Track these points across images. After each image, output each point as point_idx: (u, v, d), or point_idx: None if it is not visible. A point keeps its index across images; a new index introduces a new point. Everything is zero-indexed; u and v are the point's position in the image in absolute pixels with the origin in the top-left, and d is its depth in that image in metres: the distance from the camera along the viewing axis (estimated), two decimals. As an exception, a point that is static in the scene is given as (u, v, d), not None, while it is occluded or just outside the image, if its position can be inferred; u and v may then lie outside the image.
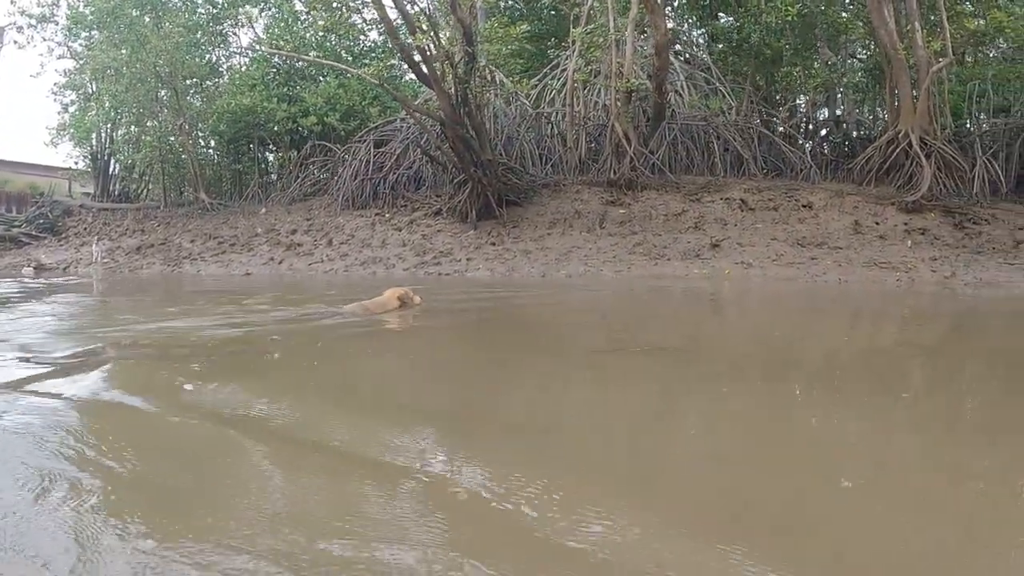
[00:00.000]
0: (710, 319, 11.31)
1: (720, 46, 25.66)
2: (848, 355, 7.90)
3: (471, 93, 18.89)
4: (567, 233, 19.07)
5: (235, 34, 27.97)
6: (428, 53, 18.22)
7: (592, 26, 21.62)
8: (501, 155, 21.13)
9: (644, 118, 22.06)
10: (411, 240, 19.90)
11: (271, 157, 27.61)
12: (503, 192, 19.80)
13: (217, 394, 4.86)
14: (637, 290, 14.34)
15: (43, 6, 26.51)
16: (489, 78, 22.67)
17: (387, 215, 21.27)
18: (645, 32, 22.01)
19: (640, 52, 22.46)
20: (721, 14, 25.93)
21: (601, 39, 21.01)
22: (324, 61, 24.05)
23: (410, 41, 18.12)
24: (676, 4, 28.81)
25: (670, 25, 27.68)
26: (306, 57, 24.25)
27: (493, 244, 19.05)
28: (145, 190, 29.55)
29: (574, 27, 21.87)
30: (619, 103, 20.57)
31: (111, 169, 29.66)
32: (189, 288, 15.97)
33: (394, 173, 22.40)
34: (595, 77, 22.45)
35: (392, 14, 19.48)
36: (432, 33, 18.27)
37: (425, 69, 18.49)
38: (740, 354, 7.90)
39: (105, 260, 22.75)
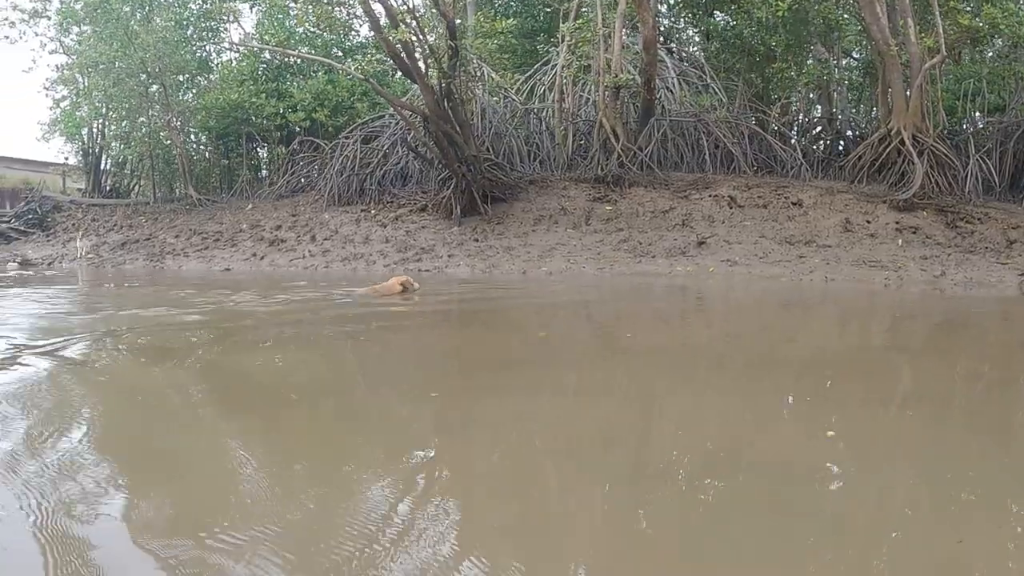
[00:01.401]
0: (680, 318, 10.79)
1: (715, 44, 25.20)
2: (813, 357, 7.43)
3: (455, 88, 18.34)
4: (552, 230, 18.54)
5: (226, 29, 27.38)
6: (411, 47, 17.61)
7: (581, 21, 21.05)
8: (488, 151, 20.63)
9: (633, 114, 21.46)
10: (394, 236, 19.39)
11: (263, 153, 27.05)
12: (488, 188, 19.28)
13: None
14: (614, 288, 13.78)
15: (35, 1, 26.01)
16: (477, 73, 22.12)
17: (373, 211, 20.74)
18: (636, 27, 21.35)
19: (629, 48, 21.88)
20: (717, 12, 25.37)
21: (589, 34, 20.44)
22: (310, 56, 23.54)
23: (395, 35, 17.43)
24: (672, 1, 28.37)
25: (663, 22, 27.33)
26: (291, 52, 23.76)
27: (476, 241, 18.53)
28: (137, 186, 28.97)
29: (564, 22, 21.26)
30: (607, 99, 20.02)
31: (102, 165, 29.06)
32: (163, 284, 15.47)
33: (381, 169, 21.89)
34: (585, 73, 21.85)
35: (377, 8, 18.87)
36: (415, 27, 17.68)
37: (408, 63, 17.88)
38: (700, 353, 7.43)
39: (90, 255, 22.31)
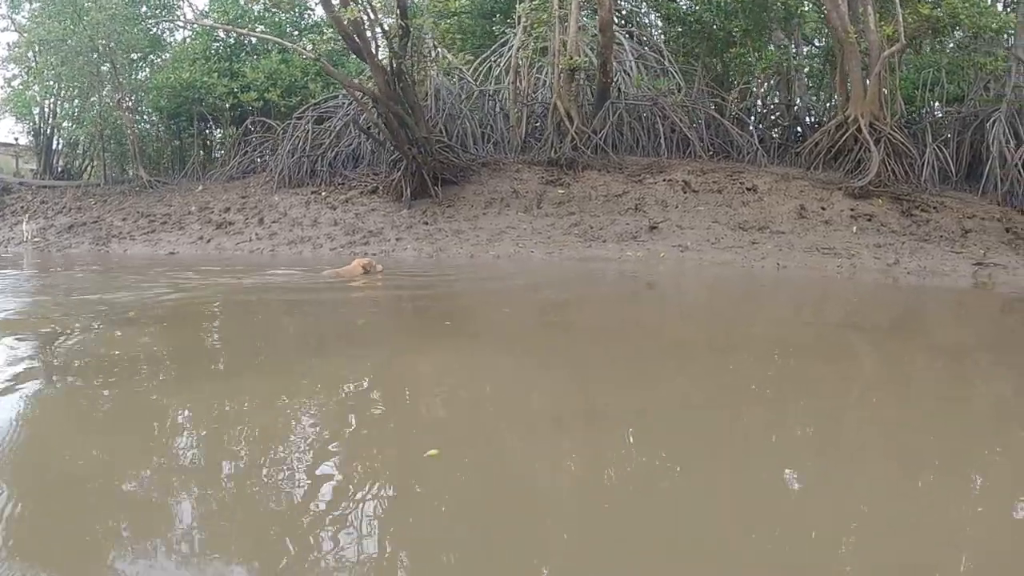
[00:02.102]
0: (620, 305, 10.31)
1: (676, 29, 24.70)
2: (743, 346, 6.98)
3: (406, 68, 17.73)
4: (503, 213, 18.01)
5: (179, 7, 26.50)
6: (361, 26, 16.98)
7: (537, 2, 20.47)
8: (442, 133, 20.02)
9: (589, 97, 20.94)
10: (343, 219, 18.79)
11: (217, 134, 26.22)
12: (439, 171, 18.68)
13: None
14: (559, 273, 13.26)
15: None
16: (431, 54, 21.51)
17: (324, 193, 20.10)
18: (594, 10, 20.76)
19: (587, 30, 21.32)
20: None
21: (546, 15, 19.85)
22: (263, 35, 22.78)
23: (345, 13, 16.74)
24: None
25: (625, 5, 26.80)
26: (242, 31, 23.00)
27: (426, 224, 17.98)
28: (89, 167, 28.03)
29: (520, 3, 20.64)
30: (562, 81, 19.43)
31: (54, 145, 28.15)
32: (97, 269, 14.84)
33: (333, 150, 21.23)
34: (542, 55, 21.27)
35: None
36: (365, 4, 17.05)
37: (359, 43, 17.24)
38: (620, 338, 6.97)
39: (36, 239, 21.56)
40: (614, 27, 22.15)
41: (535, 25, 20.16)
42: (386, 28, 17.46)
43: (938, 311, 10.76)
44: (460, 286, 12.28)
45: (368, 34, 17.50)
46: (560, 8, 19.50)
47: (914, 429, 4.58)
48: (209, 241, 19.13)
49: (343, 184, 20.42)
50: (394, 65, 17.51)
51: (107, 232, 20.71)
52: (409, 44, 17.91)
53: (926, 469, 3.85)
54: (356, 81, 19.43)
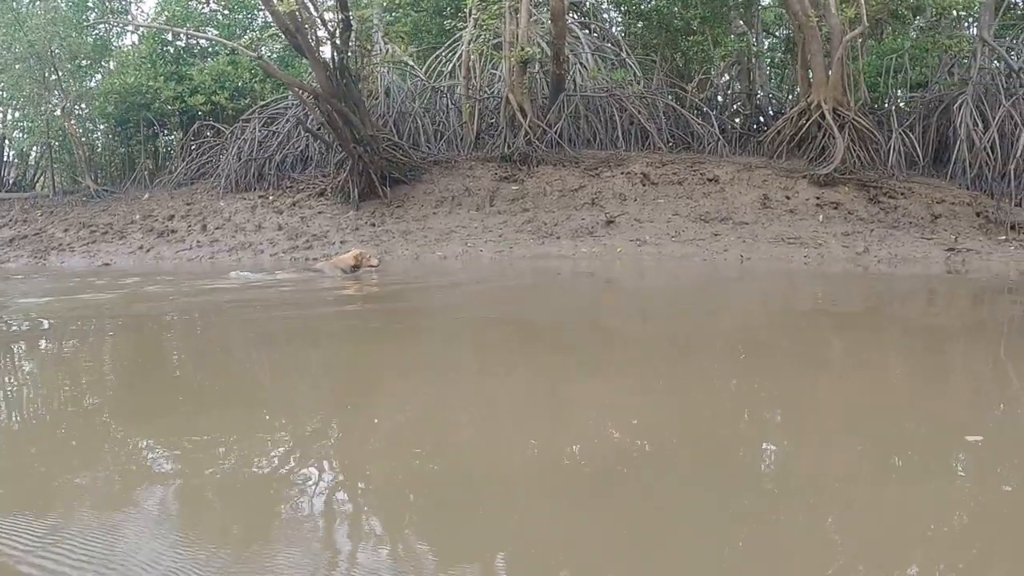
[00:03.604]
0: (559, 299, 9.02)
1: (639, 25, 23.55)
2: (696, 344, 5.76)
3: (349, 64, 16.40)
4: (454, 212, 16.72)
5: (126, 11, 25.00)
6: (298, 20, 15.64)
7: (486, -8, 19.17)
8: (392, 131, 18.77)
9: (544, 91, 19.67)
10: (288, 223, 17.47)
11: (167, 139, 24.71)
12: (387, 170, 17.38)
13: None
14: (505, 271, 11.96)
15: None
16: (376, 49, 20.20)
17: (271, 197, 18.75)
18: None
19: (541, 22, 20.04)
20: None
21: (496, 7, 18.53)
22: (201, 35, 21.44)
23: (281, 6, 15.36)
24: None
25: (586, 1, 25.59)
26: (184, 31, 21.62)
27: (373, 225, 16.67)
28: (42, 178, 26.49)
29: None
30: (514, 74, 18.13)
31: (5, 156, 26.63)
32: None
33: (280, 153, 19.85)
34: (496, 50, 19.91)
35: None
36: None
37: (299, 38, 15.91)
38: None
39: (-26, 253, 20.05)
40: (569, 19, 20.98)
41: (486, 18, 18.81)
42: (326, 21, 16.09)
43: (911, 299, 9.58)
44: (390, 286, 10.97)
45: (309, 29, 16.18)
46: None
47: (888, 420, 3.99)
48: (149, 251, 17.77)
49: (291, 187, 19.07)
50: (336, 60, 16.18)
51: (47, 245, 19.30)
52: (351, 39, 16.59)
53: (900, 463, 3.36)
54: (299, 79, 18.08)
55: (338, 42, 16.11)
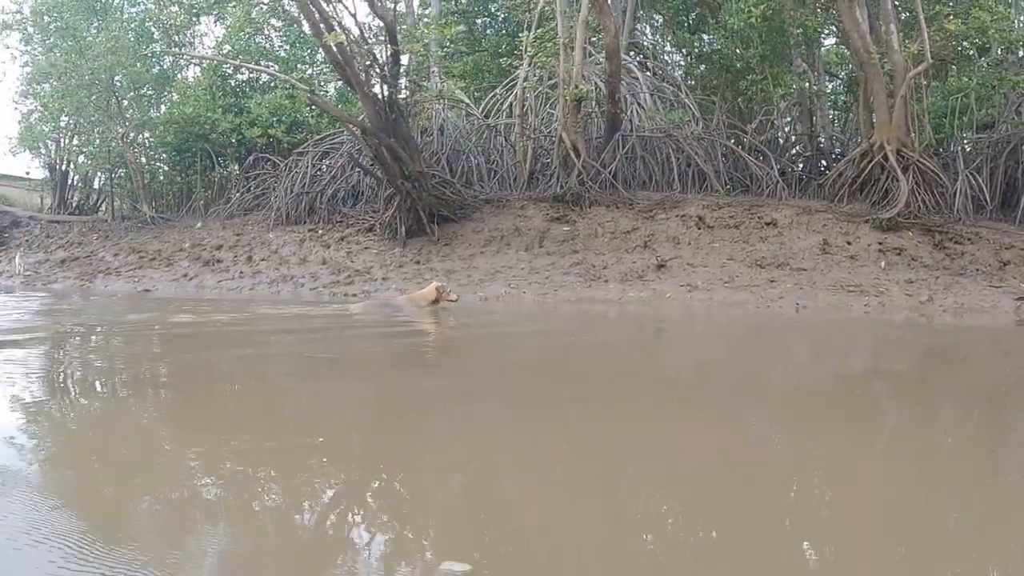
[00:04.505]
0: (589, 349, 8.22)
1: (702, 66, 22.90)
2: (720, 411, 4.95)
3: (398, 99, 15.89)
4: (502, 251, 16.08)
5: (190, 44, 24.91)
6: (348, 53, 15.18)
7: (541, 31, 18.56)
8: (444, 169, 18.23)
9: (600, 130, 18.98)
10: (334, 258, 17.01)
11: (228, 170, 24.44)
12: (436, 207, 16.82)
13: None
14: (547, 315, 11.21)
15: (6, 13, 23.74)
16: (437, 87, 19.67)
17: (320, 231, 18.32)
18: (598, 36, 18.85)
19: (597, 61, 19.38)
20: (703, 34, 23.04)
21: (550, 44, 17.92)
22: (257, 68, 21.01)
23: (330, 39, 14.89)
24: (657, 23, 26.19)
25: (644, 41, 25.00)
26: (232, 61, 21.41)
27: (417, 263, 16.10)
28: (105, 203, 26.40)
29: (524, 32, 18.78)
30: (568, 112, 17.46)
31: (69, 180, 26.64)
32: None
33: (332, 187, 19.39)
34: (553, 89, 19.27)
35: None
36: (351, 31, 15.29)
37: (348, 71, 15.46)
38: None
39: (28, 272, 20.20)
40: (627, 59, 20.34)
41: (539, 55, 18.20)
42: (377, 56, 15.58)
43: (977, 355, 8.64)
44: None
45: (359, 63, 15.70)
46: (565, 37, 17.58)
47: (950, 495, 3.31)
48: (192, 279, 17.53)
49: (341, 222, 18.64)
50: (386, 95, 15.66)
51: (95, 268, 19.26)
52: (401, 73, 16.09)
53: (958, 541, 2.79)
54: (350, 114, 17.63)
55: (387, 76, 15.59)
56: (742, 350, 9.00)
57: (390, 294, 13.80)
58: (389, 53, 15.57)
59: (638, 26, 25.87)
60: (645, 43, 26.02)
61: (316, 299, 14.24)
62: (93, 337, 8.24)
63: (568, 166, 17.45)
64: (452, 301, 11.28)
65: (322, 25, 15.12)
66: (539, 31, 18.56)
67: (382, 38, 16.63)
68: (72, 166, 26.49)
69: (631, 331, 10.71)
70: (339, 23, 15.36)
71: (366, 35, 16.16)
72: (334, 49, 15.01)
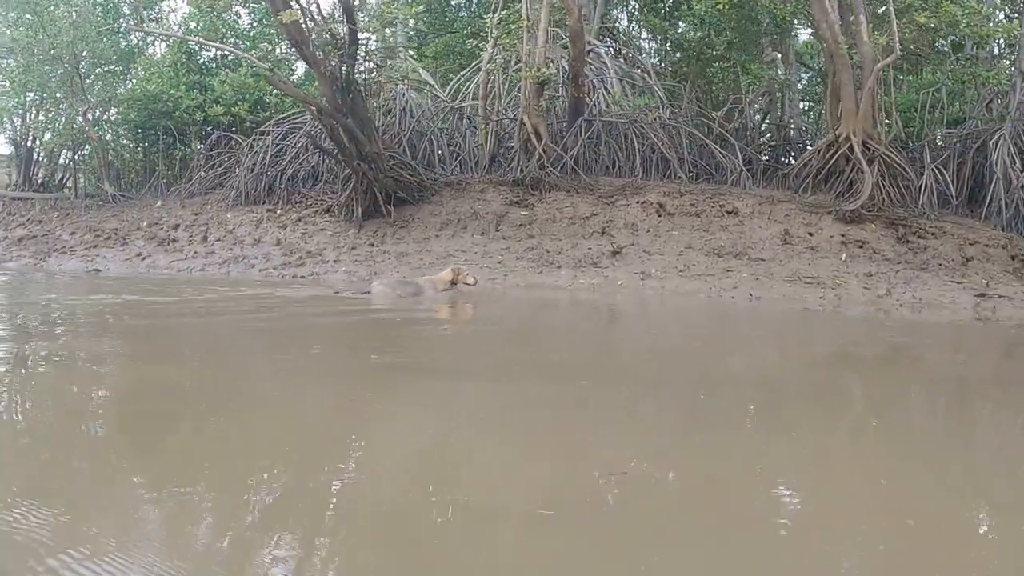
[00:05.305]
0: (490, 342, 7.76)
1: (677, 55, 22.42)
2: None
3: (356, 78, 15.32)
4: (458, 235, 15.56)
5: (156, 20, 24.13)
6: (303, 32, 14.60)
7: (507, 12, 18.01)
8: (406, 151, 17.69)
9: (562, 115, 18.46)
10: (287, 239, 16.46)
11: (191, 148, 23.74)
12: (394, 189, 16.27)
13: None
14: (492, 302, 10.72)
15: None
16: (400, 66, 19.11)
17: (279, 212, 17.73)
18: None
19: (564, 42, 18.83)
20: (680, 22, 22.52)
21: (515, 26, 17.36)
22: (212, 43, 20.24)
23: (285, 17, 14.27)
24: (631, 9, 25.67)
25: (620, 27, 24.51)
26: (189, 37, 20.78)
27: (372, 245, 15.58)
28: (70, 179, 25.67)
29: (489, 14, 18.23)
30: (530, 95, 16.91)
31: (35, 157, 25.85)
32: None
33: (292, 167, 18.80)
34: (518, 72, 18.72)
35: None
36: (309, 9, 14.71)
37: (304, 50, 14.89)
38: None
39: (-18, 251, 19.37)
40: (596, 43, 19.84)
41: (503, 37, 17.63)
42: (335, 34, 14.99)
43: (929, 351, 8.20)
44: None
45: (317, 41, 15.12)
46: (528, 19, 17.01)
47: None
48: (146, 258, 16.95)
49: (300, 203, 18.05)
50: (343, 74, 15.07)
51: (51, 246, 18.62)
52: (359, 52, 15.52)
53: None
54: (306, 93, 17.07)
55: (345, 55, 15.01)
56: (676, 340, 8.55)
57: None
58: (346, 31, 14.95)
59: (614, 12, 25.39)
60: (620, 29, 25.49)
61: (264, 280, 13.78)
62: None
63: (529, 150, 16.93)
64: (469, 284, 11.31)
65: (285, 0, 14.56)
66: (504, 13, 17.99)
67: (340, 17, 16.03)
68: (38, 143, 25.72)
69: (570, 320, 10.28)
70: (297, 0, 14.75)
71: (324, 14, 15.42)
72: (290, 27, 14.45)
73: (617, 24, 25.53)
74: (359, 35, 15.60)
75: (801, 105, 23.98)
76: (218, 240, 16.99)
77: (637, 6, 25.31)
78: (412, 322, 9.10)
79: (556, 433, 4.25)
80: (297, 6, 14.52)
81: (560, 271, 13.75)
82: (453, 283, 11.11)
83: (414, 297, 10.74)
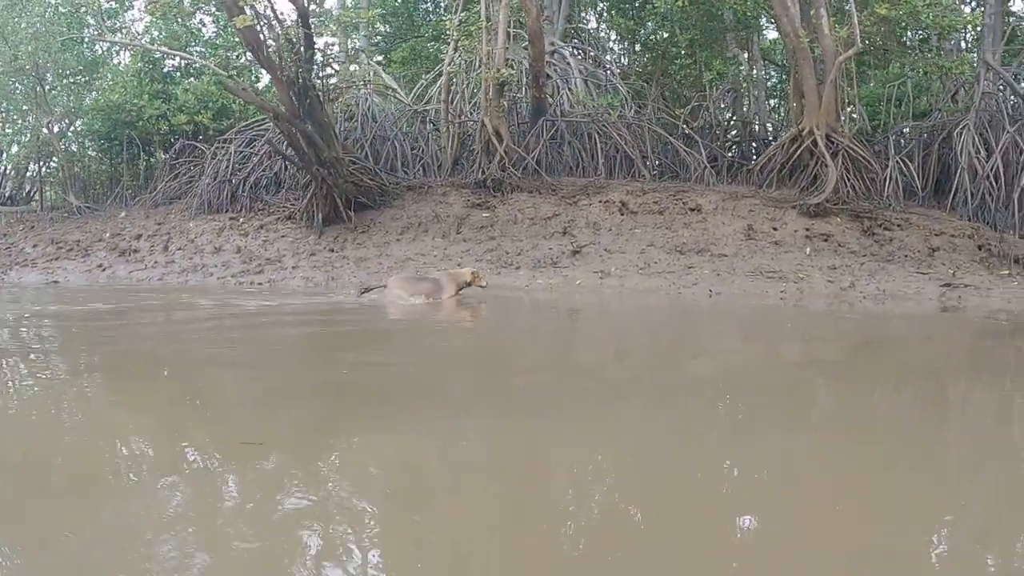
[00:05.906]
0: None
1: (646, 56, 22.14)
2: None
3: (312, 83, 14.97)
4: (419, 239, 15.24)
5: (118, 30, 23.67)
6: (257, 36, 14.28)
7: (466, 14, 17.69)
8: (367, 155, 17.38)
9: (523, 115, 18.17)
10: (248, 246, 16.13)
11: (155, 158, 23.27)
12: (354, 194, 15.94)
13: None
14: (441, 306, 10.33)
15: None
16: (367, 72, 18.78)
17: (241, 220, 17.40)
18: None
19: (521, 42, 18.52)
20: (648, 22, 22.23)
21: (474, 27, 17.03)
22: (170, 51, 19.93)
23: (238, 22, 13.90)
24: (599, 9, 25.39)
25: (589, 27, 24.23)
26: (149, 46, 20.42)
27: (331, 251, 15.25)
28: (37, 192, 25.21)
29: (448, 16, 17.94)
30: (490, 97, 16.58)
31: (2, 169, 25.36)
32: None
33: (254, 175, 18.46)
34: (478, 73, 18.40)
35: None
36: (261, 12, 14.36)
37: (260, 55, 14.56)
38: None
39: (-60, 265, 18.93)
40: (560, 44, 19.55)
41: (463, 39, 17.31)
42: (292, 38, 14.63)
43: (888, 344, 7.89)
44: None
45: (272, 46, 14.78)
46: (488, 20, 16.69)
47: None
48: (106, 269, 16.63)
49: (262, 210, 17.72)
50: (300, 79, 14.71)
51: (13, 259, 18.24)
52: (316, 57, 15.17)
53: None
54: (264, 99, 16.71)
55: (301, 59, 14.65)
56: (631, 343, 8.21)
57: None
58: (301, 35, 14.60)
59: (581, 13, 25.11)
60: (588, 30, 25.18)
61: (222, 288, 13.41)
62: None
63: (490, 152, 16.61)
64: (482, 287, 11.18)
65: (238, 5, 14.19)
66: (463, 14, 17.67)
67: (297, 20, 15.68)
68: (4, 156, 25.27)
69: (530, 320, 9.95)
70: (251, 5, 14.36)
71: (280, 18, 15.01)
72: (245, 31, 14.12)
73: (584, 25, 25.24)
74: (315, 40, 15.26)
75: (771, 103, 23.73)
76: (179, 249, 16.62)
77: (604, 7, 25.03)
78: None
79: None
80: (251, 11, 14.16)
81: (519, 272, 13.45)
82: (469, 283, 10.92)
83: (431, 300, 10.40)
